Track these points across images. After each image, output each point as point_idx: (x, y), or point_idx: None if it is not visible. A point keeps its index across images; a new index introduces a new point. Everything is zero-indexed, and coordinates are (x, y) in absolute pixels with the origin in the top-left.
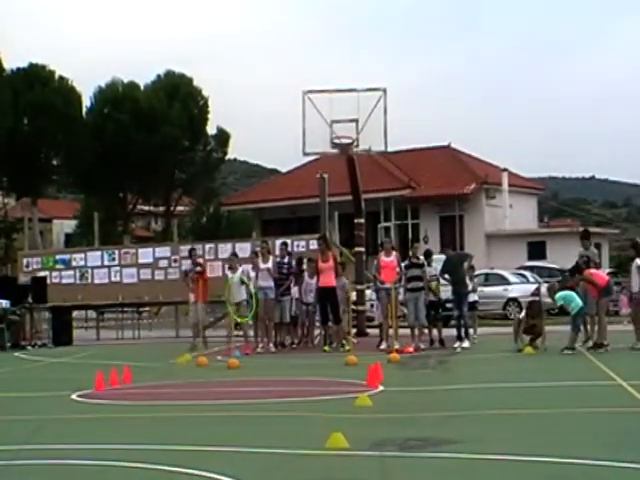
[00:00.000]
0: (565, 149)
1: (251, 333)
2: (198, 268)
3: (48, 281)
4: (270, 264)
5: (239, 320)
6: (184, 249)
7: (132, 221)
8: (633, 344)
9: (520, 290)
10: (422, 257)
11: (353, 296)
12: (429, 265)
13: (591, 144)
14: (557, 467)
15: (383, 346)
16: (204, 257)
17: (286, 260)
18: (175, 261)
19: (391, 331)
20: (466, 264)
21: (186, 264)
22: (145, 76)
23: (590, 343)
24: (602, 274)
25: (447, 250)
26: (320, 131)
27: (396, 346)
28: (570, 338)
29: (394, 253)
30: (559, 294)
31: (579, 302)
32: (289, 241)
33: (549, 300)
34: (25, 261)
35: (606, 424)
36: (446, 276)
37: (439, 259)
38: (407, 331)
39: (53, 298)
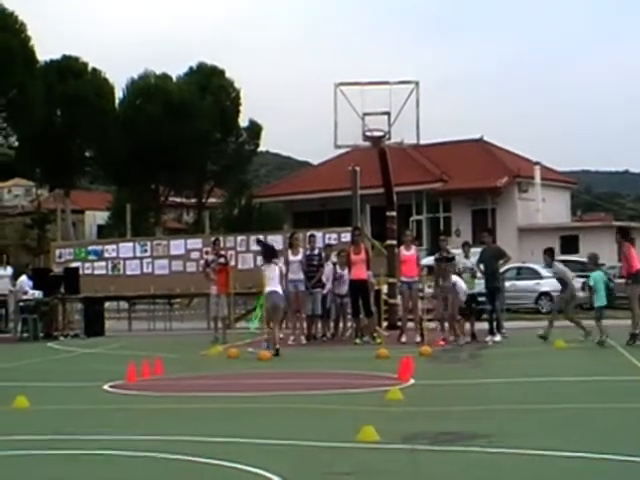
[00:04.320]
0: (598, 143)
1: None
2: (222, 259)
3: (80, 272)
4: (300, 256)
5: None
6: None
7: (164, 213)
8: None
9: (552, 284)
10: (452, 251)
11: (385, 289)
12: (466, 257)
13: (625, 138)
14: (588, 462)
15: (403, 339)
16: (236, 249)
17: (316, 252)
18: (207, 253)
19: (411, 324)
20: (502, 261)
21: (210, 255)
22: (177, 68)
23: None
24: (637, 260)
25: (486, 237)
26: (352, 124)
27: (417, 339)
28: (599, 331)
29: (414, 247)
30: (596, 274)
31: (603, 299)
32: (320, 234)
33: (582, 294)
34: (58, 252)
35: (637, 420)
36: (481, 266)
37: (476, 252)
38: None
39: (85, 289)
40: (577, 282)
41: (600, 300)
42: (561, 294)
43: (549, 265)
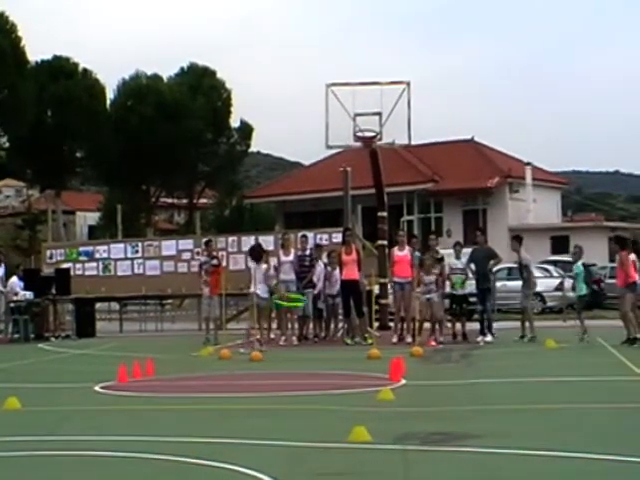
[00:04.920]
0: (589, 143)
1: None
2: (214, 261)
3: (71, 273)
4: (292, 257)
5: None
6: None
7: (155, 214)
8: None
9: (543, 284)
10: (443, 251)
11: (376, 289)
12: (457, 257)
13: (615, 138)
14: (579, 462)
15: (394, 339)
16: (227, 250)
17: (307, 253)
18: (198, 254)
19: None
20: (492, 262)
21: (202, 257)
22: (168, 69)
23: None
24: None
25: (479, 237)
26: (343, 124)
27: (408, 340)
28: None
29: (407, 247)
30: (580, 267)
31: (583, 289)
32: (311, 234)
33: (571, 294)
34: (49, 253)
35: (630, 420)
36: (471, 266)
37: (467, 253)
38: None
39: (76, 290)
40: (568, 282)
41: (581, 289)
42: (524, 290)
43: (516, 250)
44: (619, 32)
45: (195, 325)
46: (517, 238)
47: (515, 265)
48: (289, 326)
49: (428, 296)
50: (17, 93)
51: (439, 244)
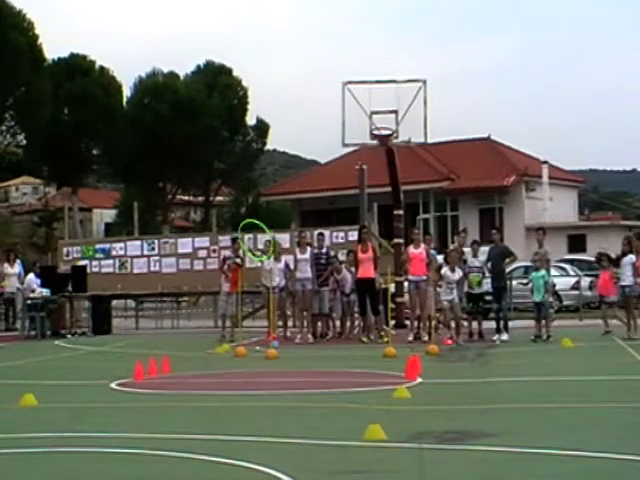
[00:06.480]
0: (606, 142)
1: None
2: (238, 260)
3: (88, 270)
4: (308, 255)
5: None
6: (223, 239)
7: (171, 211)
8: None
9: (560, 283)
10: (465, 249)
11: (392, 288)
12: (474, 255)
13: (633, 137)
14: (594, 461)
15: (410, 338)
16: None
17: (324, 251)
18: (214, 251)
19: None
20: (508, 260)
21: (227, 252)
22: (185, 66)
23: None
24: None
25: (494, 235)
26: (360, 122)
27: (424, 338)
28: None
29: (422, 245)
30: (541, 274)
31: (539, 295)
32: (328, 232)
33: (589, 294)
34: (65, 250)
35: None
36: (488, 265)
37: (484, 251)
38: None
39: (93, 287)
40: (584, 280)
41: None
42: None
43: (540, 241)
44: (637, 29)
45: (211, 322)
46: (542, 230)
47: (531, 264)
48: (305, 324)
49: (449, 297)
50: (34, 91)
51: (465, 243)
